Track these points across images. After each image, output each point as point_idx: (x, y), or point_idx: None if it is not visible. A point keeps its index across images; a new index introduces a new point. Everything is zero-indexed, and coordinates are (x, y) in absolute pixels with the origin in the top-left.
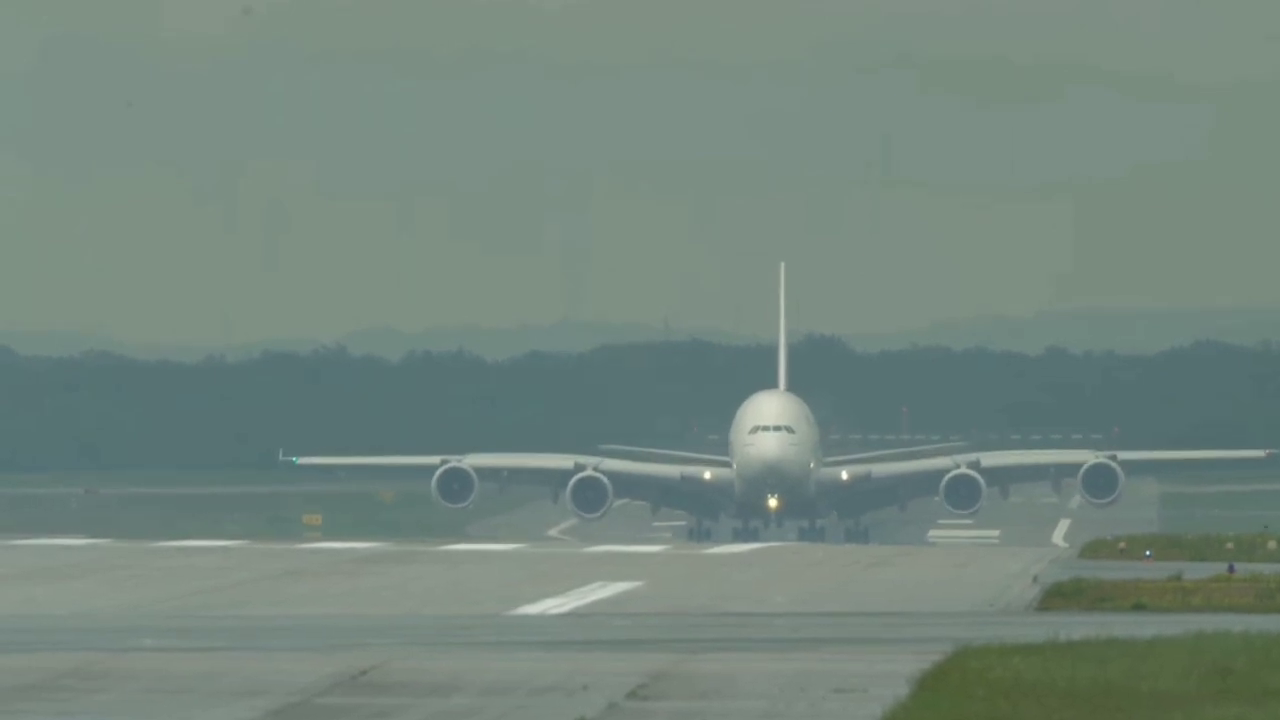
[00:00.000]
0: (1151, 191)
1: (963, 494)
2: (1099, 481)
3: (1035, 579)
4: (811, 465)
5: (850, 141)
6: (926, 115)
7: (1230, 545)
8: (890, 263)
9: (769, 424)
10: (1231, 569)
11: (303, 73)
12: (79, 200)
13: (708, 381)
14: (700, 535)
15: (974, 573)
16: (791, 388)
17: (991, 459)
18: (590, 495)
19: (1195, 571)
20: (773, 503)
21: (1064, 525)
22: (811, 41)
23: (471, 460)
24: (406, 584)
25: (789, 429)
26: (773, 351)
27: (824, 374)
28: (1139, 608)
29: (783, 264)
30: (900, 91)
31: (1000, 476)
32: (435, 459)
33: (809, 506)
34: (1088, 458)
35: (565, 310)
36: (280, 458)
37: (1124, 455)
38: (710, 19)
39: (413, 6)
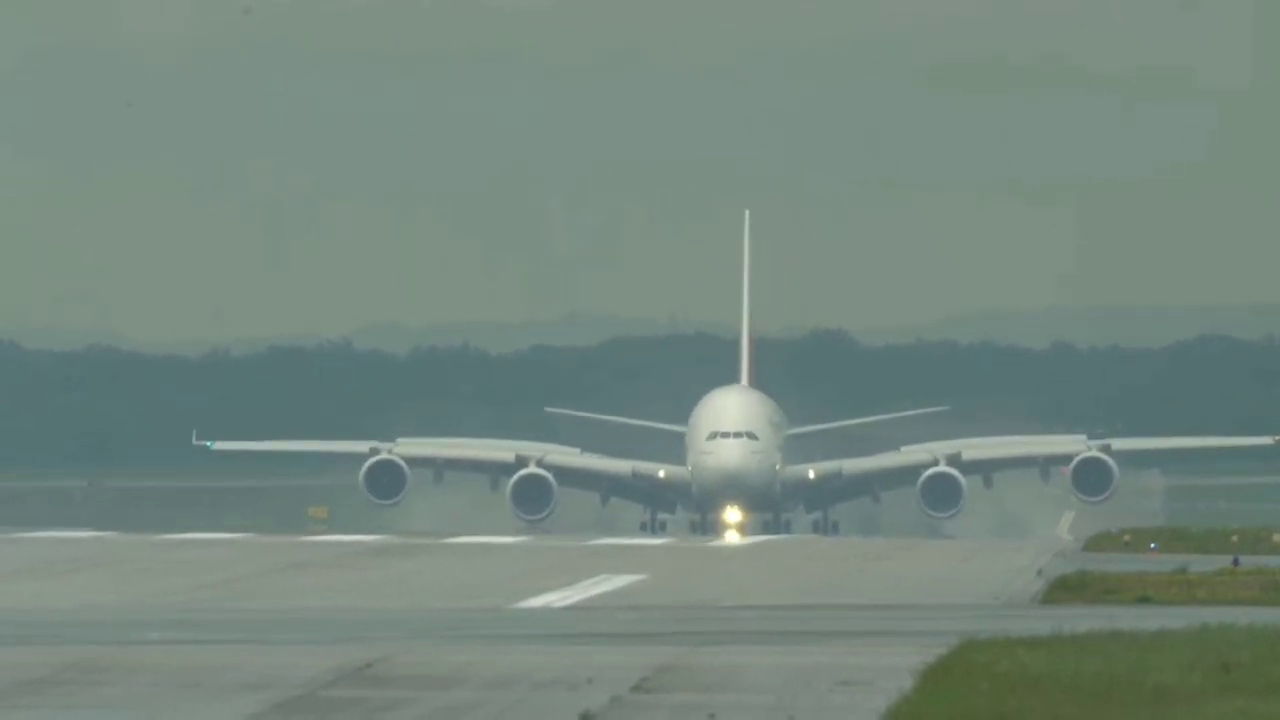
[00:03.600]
0: (1156, 188)
1: (940, 494)
2: (1090, 477)
3: (1039, 572)
4: (776, 468)
5: (855, 138)
6: (932, 112)
7: (1235, 538)
8: (896, 258)
9: (729, 430)
10: (1236, 562)
11: (303, 70)
12: (82, 195)
13: (715, 374)
14: (655, 529)
15: (978, 566)
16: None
17: (974, 450)
18: (533, 495)
19: (1200, 564)
20: (733, 517)
21: (1069, 517)
22: (814, 38)
23: (403, 449)
24: (411, 577)
25: (750, 435)
26: (777, 346)
27: (829, 368)
28: (1144, 601)
29: (747, 212)
30: (904, 88)
31: (983, 469)
32: (363, 446)
33: (773, 504)
34: (1079, 448)
35: (570, 305)
36: (194, 441)
37: (1119, 444)
38: (712, 18)
39: (413, 5)
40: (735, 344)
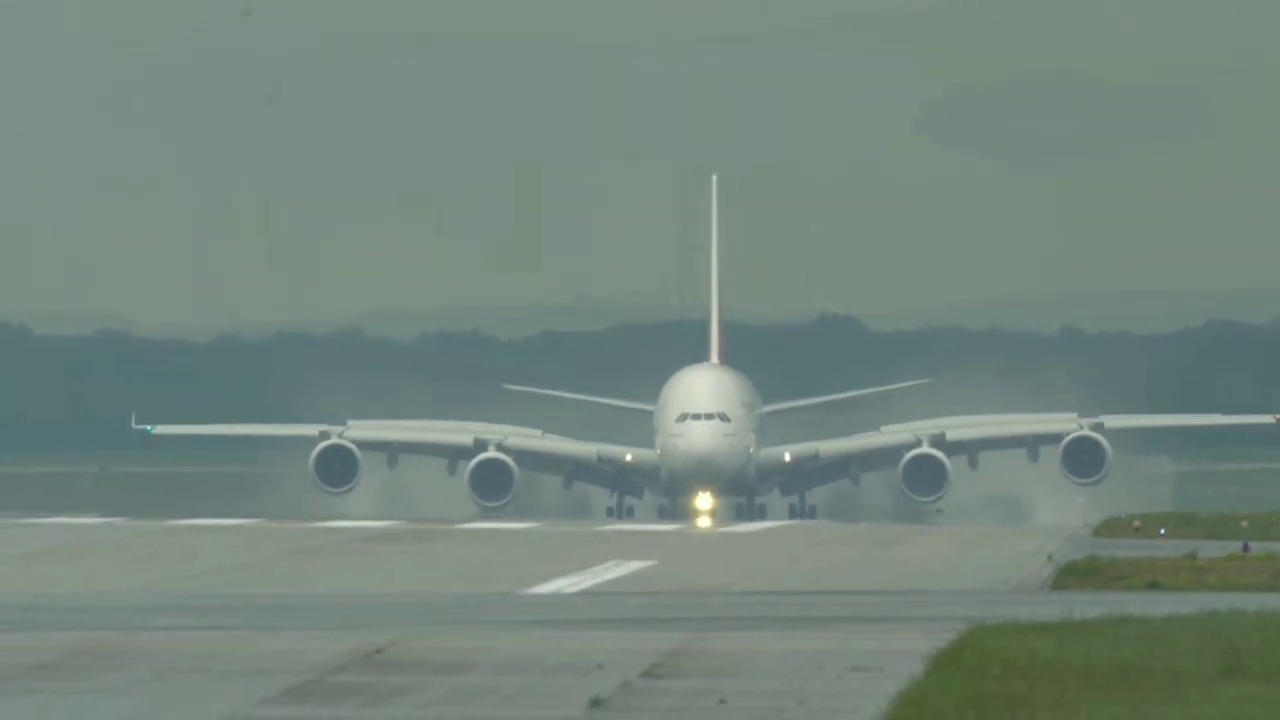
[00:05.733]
0: (1164, 172)
1: (924, 477)
2: (1082, 457)
3: (1049, 557)
4: (751, 450)
5: (866, 121)
6: (942, 97)
7: (1245, 524)
8: (906, 243)
9: (700, 412)
10: (1246, 548)
11: (311, 54)
12: (90, 181)
13: (727, 359)
14: (622, 513)
15: (987, 551)
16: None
17: (959, 430)
18: (493, 480)
19: (1210, 550)
20: (705, 504)
21: (1079, 502)
22: (829, 16)
23: (354, 432)
24: (420, 562)
25: (722, 416)
26: (784, 330)
27: (838, 353)
28: (1153, 586)
29: (715, 178)
30: (917, 74)
31: (969, 449)
32: (312, 429)
33: (746, 488)
34: (1070, 426)
35: (580, 290)
36: (133, 425)
37: (1111, 422)
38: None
39: None
40: (748, 329)
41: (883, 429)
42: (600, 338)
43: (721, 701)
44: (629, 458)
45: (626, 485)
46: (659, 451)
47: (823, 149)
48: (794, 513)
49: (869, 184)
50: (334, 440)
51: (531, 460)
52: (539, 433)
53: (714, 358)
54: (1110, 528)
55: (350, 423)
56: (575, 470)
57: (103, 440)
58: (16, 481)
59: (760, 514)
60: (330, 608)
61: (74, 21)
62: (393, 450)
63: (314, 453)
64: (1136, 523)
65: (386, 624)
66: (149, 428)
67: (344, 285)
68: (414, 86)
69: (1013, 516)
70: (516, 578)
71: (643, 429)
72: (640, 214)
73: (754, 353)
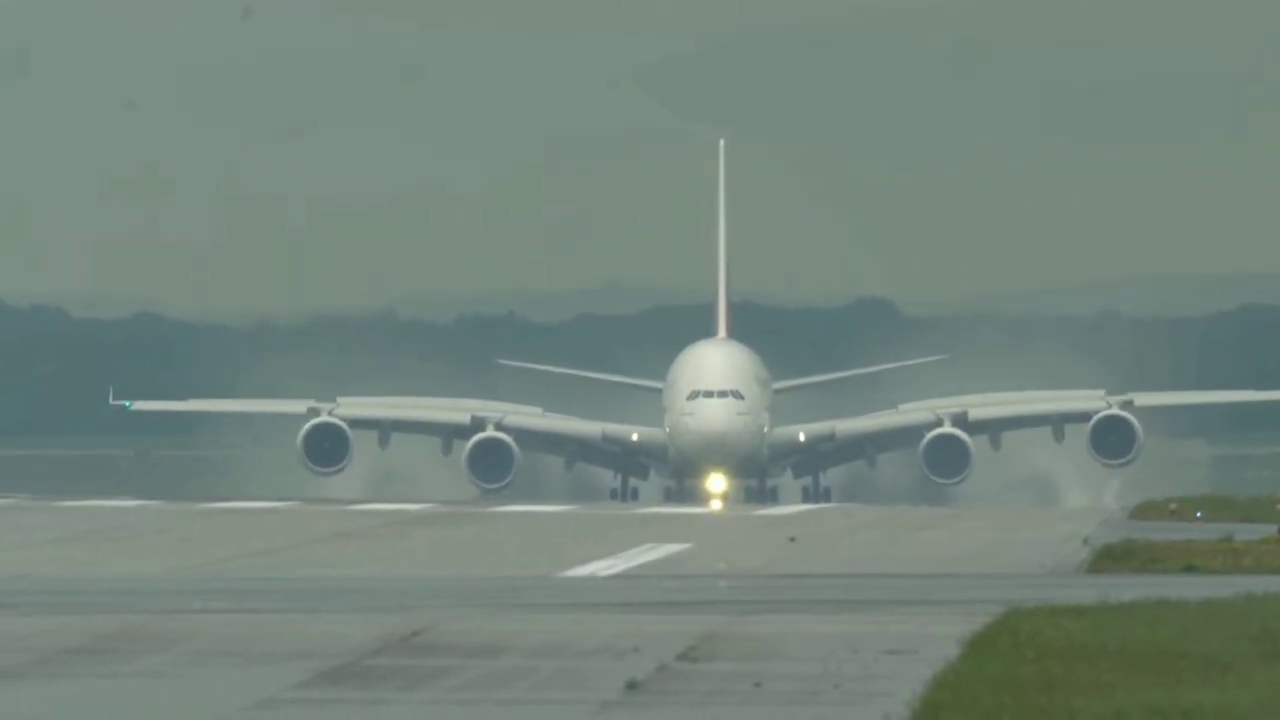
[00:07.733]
0: (1189, 156)
1: (946, 458)
2: (1110, 437)
3: (1085, 540)
4: (765, 430)
5: (892, 106)
6: (965, 82)
7: None
8: (940, 226)
9: (713, 389)
10: None
11: (337, 27)
12: (126, 165)
13: (760, 343)
14: (626, 496)
15: (1023, 534)
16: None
17: (981, 409)
18: (492, 461)
19: (1246, 533)
20: (716, 484)
21: (1114, 485)
22: (855, 3)
23: (345, 410)
24: (455, 545)
25: (736, 394)
26: (821, 314)
27: (873, 337)
28: (1189, 569)
29: (721, 142)
30: (941, 61)
31: (992, 428)
32: (300, 406)
33: (758, 470)
34: (1098, 405)
35: (615, 273)
36: (111, 401)
37: (1141, 400)
38: None
39: None
40: (785, 313)
41: (900, 408)
42: (636, 321)
43: (757, 685)
44: (636, 437)
45: (631, 466)
46: (668, 430)
47: (855, 135)
48: (807, 495)
49: (902, 168)
50: (324, 418)
51: (532, 440)
52: (539, 410)
53: (722, 332)
54: (1146, 510)
55: (340, 399)
56: (578, 450)
57: (138, 424)
58: (52, 464)
59: (772, 497)
60: (366, 591)
61: (102, 20)
62: (385, 428)
63: (303, 431)
64: (1173, 505)
65: (422, 607)
66: (126, 404)
67: (380, 270)
68: (451, 60)
69: (1040, 499)
70: (551, 561)
71: (646, 408)
72: (673, 194)
73: (802, 335)
